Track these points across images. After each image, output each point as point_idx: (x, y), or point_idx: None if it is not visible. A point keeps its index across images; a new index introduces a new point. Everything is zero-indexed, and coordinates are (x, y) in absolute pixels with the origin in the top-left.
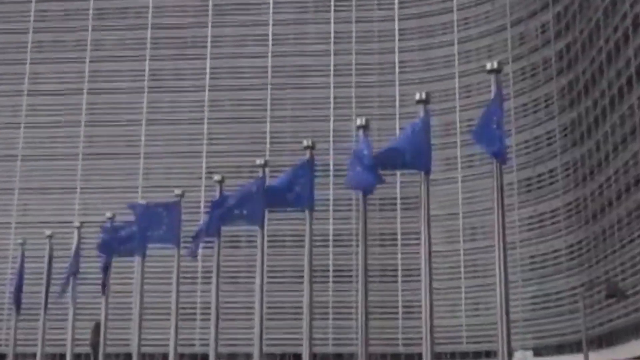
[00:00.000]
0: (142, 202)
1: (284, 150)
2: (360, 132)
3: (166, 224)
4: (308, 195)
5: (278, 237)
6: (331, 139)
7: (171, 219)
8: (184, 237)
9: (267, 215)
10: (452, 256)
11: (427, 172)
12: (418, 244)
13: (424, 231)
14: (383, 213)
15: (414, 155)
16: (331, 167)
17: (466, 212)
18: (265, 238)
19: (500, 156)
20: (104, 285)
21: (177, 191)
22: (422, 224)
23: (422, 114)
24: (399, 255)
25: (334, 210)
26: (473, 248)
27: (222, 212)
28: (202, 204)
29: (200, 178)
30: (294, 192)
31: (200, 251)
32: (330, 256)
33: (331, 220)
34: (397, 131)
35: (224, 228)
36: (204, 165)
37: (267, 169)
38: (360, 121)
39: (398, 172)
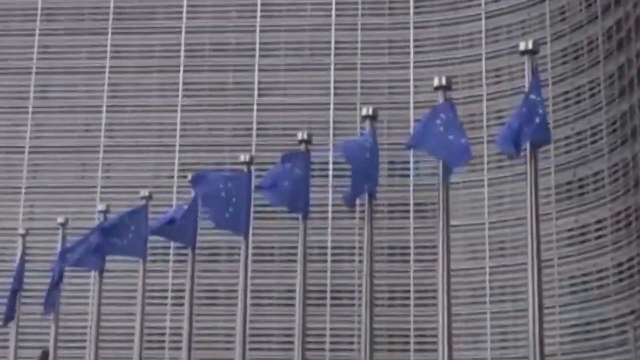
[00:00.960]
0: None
1: (274, 144)
2: (367, 123)
3: (133, 233)
4: (303, 199)
5: (265, 250)
6: (331, 131)
7: (137, 226)
8: (151, 248)
9: (252, 223)
10: (475, 275)
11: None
12: (434, 260)
13: (441, 244)
14: (393, 222)
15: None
16: (330, 165)
17: (493, 223)
18: (250, 250)
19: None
20: (53, 305)
21: (144, 192)
22: (439, 236)
23: (441, 101)
24: (412, 274)
25: (333, 218)
26: (501, 266)
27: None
28: (173, 208)
29: (172, 177)
30: (284, 191)
31: (170, 265)
32: (328, 273)
33: (329, 230)
34: (412, 123)
35: (203, 238)
36: (176, 161)
37: (253, 167)
38: (366, 110)
39: (411, 173)
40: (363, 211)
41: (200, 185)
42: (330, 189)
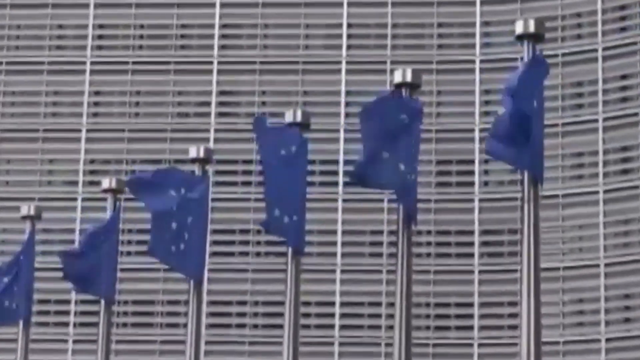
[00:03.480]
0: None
1: (242, 128)
2: (403, 92)
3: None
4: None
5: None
6: (342, 105)
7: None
8: None
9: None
10: None
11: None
12: None
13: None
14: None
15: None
16: (341, 154)
17: None
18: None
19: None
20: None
21: (26, 209)
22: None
23: (526, 57)
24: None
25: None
26: None
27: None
28: (77, 230)
29: (77, 183)
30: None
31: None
32: (337, 314)
33: (339, 242)
34: (477, 96)
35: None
36: (82, 156)
37: (209, 167)
38: (399, 76)
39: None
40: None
41: (143, 193)
42: (340, 184)
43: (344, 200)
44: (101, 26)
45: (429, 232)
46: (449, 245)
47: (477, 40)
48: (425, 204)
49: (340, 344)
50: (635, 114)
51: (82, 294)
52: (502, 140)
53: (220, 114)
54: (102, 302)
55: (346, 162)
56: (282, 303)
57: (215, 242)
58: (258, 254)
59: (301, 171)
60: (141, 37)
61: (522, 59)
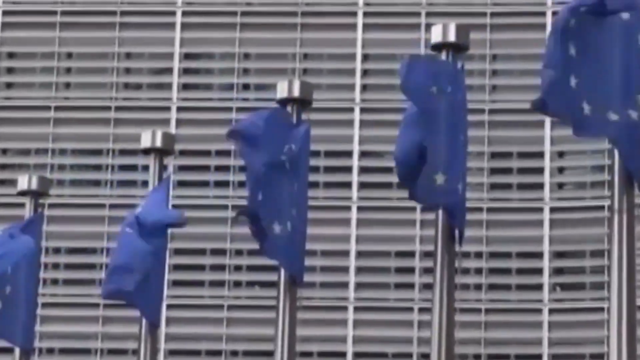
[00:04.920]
0: None
1: (215, 105)
2: (443, 55)
3: None
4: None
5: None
6: (358, 73)
7: None
8: None
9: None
10: None
11: None
12: None
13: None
14: None
15: None
16: (356, 142)
17: None
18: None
19: None
20: None
21: None
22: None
23: None
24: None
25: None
26: None
27: None
28: None
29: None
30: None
31: None
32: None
33: (352, 268)
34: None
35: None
36: None
37: (168, 161)
38: (438, 33)
39: None
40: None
41: None
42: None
43: (360, 209)
44: None
45: (479, 255)
46: (508, 274)
47: None
48: (473, 214)
49: None
50: None
51: None
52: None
53: (185, 86)
54: (17, 352)
55: (363, 155)
56: (270, 354)
57: (177, 267)
58: (237, 284)
59: (301, 167)
60: None
61: None
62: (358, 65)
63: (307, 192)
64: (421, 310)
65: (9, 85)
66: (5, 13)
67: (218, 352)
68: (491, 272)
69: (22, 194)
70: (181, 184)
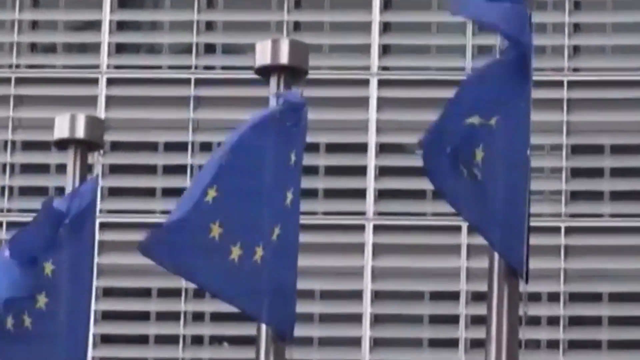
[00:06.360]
0: None
1: (165, 77)
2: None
3: None
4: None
5: None
6: (376, 34)
7: None
8: None
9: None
10: None
11: None
12: None
13: None
14: None
15: None
16: (372, 133)
17: None
18: None
19: None
20: None
21: None
22: None
23: None
24: None
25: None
26: None
27: None
28: None
29: None
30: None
31: None
32: None
33: (367, 316)
34: None
35: None
36: None
37: (97, 158)
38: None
39: None
40: None
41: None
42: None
43: (378, 229)
44: None
45: (554, 297)
46: (598, 324)
47: None
48: (546, 236)
49: None
50: None
51: None
52: None
53: (119, 48)
54: None
55: (382, 148)
56: None
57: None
58: (196, 341)
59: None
60: None
61: None
62: (376, 17)
63: None
64: None
65: None
66: None
67: None
68: (572, 323)
69: None
70: (113, 192)
